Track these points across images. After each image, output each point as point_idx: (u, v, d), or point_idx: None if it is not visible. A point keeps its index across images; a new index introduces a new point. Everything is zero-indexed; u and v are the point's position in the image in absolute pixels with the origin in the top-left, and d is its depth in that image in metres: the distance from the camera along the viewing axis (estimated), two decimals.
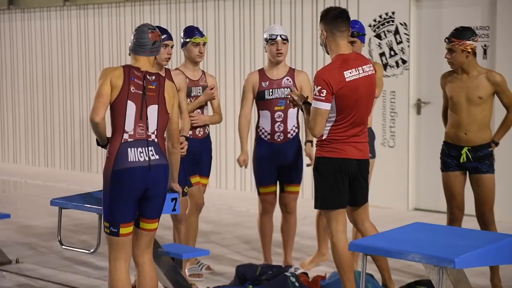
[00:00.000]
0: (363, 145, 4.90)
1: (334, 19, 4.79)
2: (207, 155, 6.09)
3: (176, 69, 6.05)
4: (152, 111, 4.55)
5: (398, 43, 8.50)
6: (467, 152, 5.45)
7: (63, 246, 5.08)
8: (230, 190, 9.86)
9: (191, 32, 5.99)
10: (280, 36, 5.82)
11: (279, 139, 5.92)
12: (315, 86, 4.70)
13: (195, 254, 5.50)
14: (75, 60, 11.57)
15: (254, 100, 5.99)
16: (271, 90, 5.90)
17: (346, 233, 4.89)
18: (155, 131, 4.55)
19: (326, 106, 4.70)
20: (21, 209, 8.70)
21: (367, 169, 4.99)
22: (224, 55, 9.92)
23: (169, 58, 5.67)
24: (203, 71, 6.14)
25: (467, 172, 5.52)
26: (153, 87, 4.59)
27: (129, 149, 4.44)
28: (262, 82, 5.91)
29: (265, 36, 5.91)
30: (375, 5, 8.67)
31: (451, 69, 5.58)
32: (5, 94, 12.60)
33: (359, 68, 4.79)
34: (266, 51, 5.96)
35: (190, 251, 5.37)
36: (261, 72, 5.98)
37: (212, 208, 8.58)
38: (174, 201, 4.98)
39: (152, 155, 4.50)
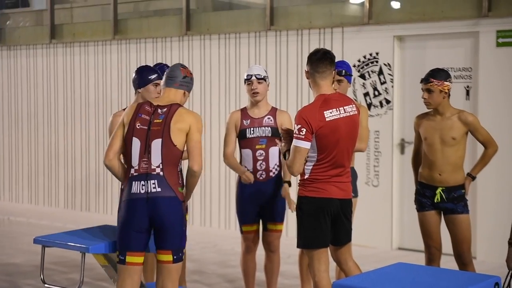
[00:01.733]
0: (345, 184, 4.92)
1: (315, 61, 4.87)
2: None
3: None
4: (156, 145, 4.67)
5: (382, 83, 8.60)
6: (441, 192, 5.54)
7: (46, 285, 5.07)
8: (214, 228, 9.85)
9: (161, 69, 6.06)
10: (255, 76, 5.88)
11: (261, 178, 5.95)
12: (296, 125, 4.77)
13: None
14: (60, 97, 11.59)
15: (237, 139, 6.03)
16: (252, 128, 5.94)
17: (329, 272, 4.90)
18: (160, 164, 4.66)
19: (305, 144, 4.75)
20: (4, 247, 8.64)
21: (350, 209, 5.01)
22: (209, 93, 9.98)
23: (157, 98, 5.68)
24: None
25: (442, 212, 5.59)
26: (160, 120, 4.71)
27: (133, 182, 4.68)
28: (244, 120, 5.96)
29: (244, 77, 5.99)
30: (360, 45, 8.78)
31: (425, 111, 5.69)
32: None
33: (340, 108, 4.83)
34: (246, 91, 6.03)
35: None
36: (243, 110, 6.04)
37: (196, 247, 8.57)
38: None
39: (154, 187, 4.65)
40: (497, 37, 7.88)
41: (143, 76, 5.64)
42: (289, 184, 5.98)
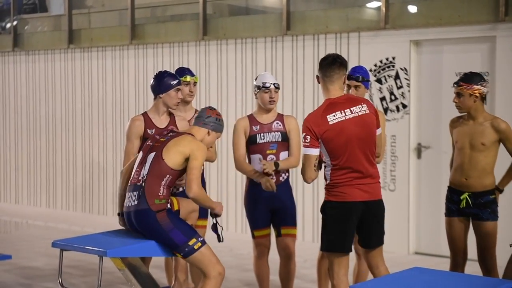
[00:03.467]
0: (369, 186, 4.91)
1: (324, 66, 4.94)
2: None
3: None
4: (150, 158, 4.98)
5: (398, 88, 8.60)
6: (468, 198, 5.48)
7: None
8: (231, 232, 9.88)
9: (181, 72, 6.16)
10: (274, 84, 5.88)
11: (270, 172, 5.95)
12: (302, 133, 4.88)
13: None
14: (78, 102, 11.68)
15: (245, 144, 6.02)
16: (262, 134, 5.92)
17: (347, 276, 4.92)
18: (145, 175, 4.95)
19: (312, 151, 4.84)
20: (22, 250, 8.71)
21: (380, 210, 4.99)
22: (226, 98, 10.01)
23: (179, 103, 5.78)
24: (196, 111, 6.23)
25: (471, 219, 5.54)
26: (164, 139, 5.02)
27: (128, 193, 5.06)
28: (253, 126, 5.93)
29: (256, 84, 5.93)
30: (376, 50, 8.79)
31: (460, 115, 5.64)
32: (8, 135, 12.69)
33: (345, 110, 4.86)
34: (256, 98, 5.97)
35: None
36: (251, 117, 6.00)
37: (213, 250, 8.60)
38: None
39: (134, 200, 4.95)
40: None
41: (164, 82, 5.67)
42: (276, 165, 5.85)
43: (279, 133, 5.92)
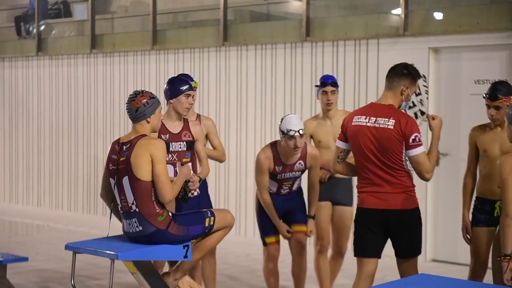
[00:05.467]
0: (387, 195, 4.94)
1: (389, 71, 5.15)
2: (204, 193, 6.15)
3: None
4: (125, 182, 4.92)
5: (417, 95, 8.59)
6: (500, 206, 5.44)
7: None
8: (249, 237, 9.92)
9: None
10: (298, 131, 5.73)
11: (284, 192, 6.07)
12: None
13: None
14: (100, 106, 11.81)
15: None
16: (283, 174, 5.96)
17: (367, 281, 4.98)
18: (134, 201, 4.91)
19: (339, 143, 5.12)
20: (41, 253, 8.82)
21: (404, 221, 4.98)
22: (245, 103, 10.08)
23: (190, 108, 5.77)
24: (198, 115, 6.32)
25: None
26: (124, 158, 4.92)
27: (124, 220, 5.08)
28: (276, 167, 5.92)
29: (281, 128, 5.79)
30: (395, 57, 8.75)
31: (482, 123, 5.58)
32: (31, 138, 12.85)
33: (371, 118, 4.93)
34: (281, 140, 5.84)
35: None
36: (275, 156, 5.91)
37: (230, 255, 8.66)
38: (186, 248, 5.10)
39: (137, 226, 4.96)
40: None
41: (175, 87, 5.68)
42: (313, 218, 6.07)
43: (299, 172, 6.00)
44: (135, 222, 4.95)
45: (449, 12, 8.62)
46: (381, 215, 4.97)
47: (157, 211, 4.92)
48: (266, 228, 6.07)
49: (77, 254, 5.21)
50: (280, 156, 5.89)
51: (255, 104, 9.99)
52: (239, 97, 10.13)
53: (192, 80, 6.14)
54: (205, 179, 6.25)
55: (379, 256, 5.09)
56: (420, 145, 4.91)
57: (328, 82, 6.28)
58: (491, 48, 8.21)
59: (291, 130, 5.71)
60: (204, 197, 6.07)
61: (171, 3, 11.81)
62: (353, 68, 9.11)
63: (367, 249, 5.03)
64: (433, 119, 5.08)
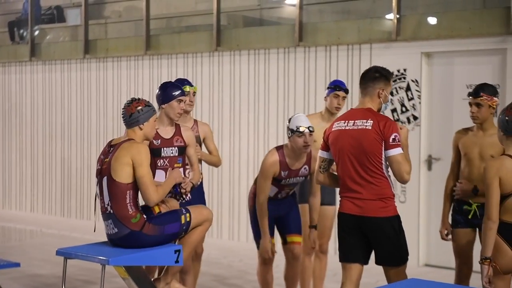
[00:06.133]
0: (362, 202, 4.91)
1: (362, 76, 5.09)
2: (201, 199, 6.25)
3: None
4: (104, 183, 4.99)
5: (409, 100, 8.61)
6: (476, 208, 5.48)
7: None
8: (242, 242, 9.92)
9: (180, 82, 6.15)
10: (308, 128, 5.75)
11: (280, 198, 6.06)
12: None
13: None
14: (93, 111, 11.79)
15: None
16: (288, 179, 5.95)
17: (348, 286, 4.96)
18: (109, 202, 4.97)
19: (321, 153, 5.12)
20: (35, 258, 8.80)
21: (379, 229, 4.93)
22: (239, 108, 10.08)
23: (182, 113, 5.76)
24: (195, 120, 6.34)
25: (477, 229, 5.52)
26: (107, 159, 4.99)
27: (103, 221, 5.11)
28: (282, 172, 5.89)
29: (290, 127, 5.79)
30: (387, 62, 8.75)
31: (466, 127, 5.64)
32: (24, 144, 12.83)
33: (349, 121, 4.96)
34: (289, 139, 5.82)
35: None
36: (282, 160, 5.88)
37: (223, 260, 8.67)
38: (177, 253, 5.10)
39: (113, 228, 5.01)
40: None
41: (167, 92, 5.69)
42: (315, 228, 6.08)
43: (303, 177, 5.99)
44: (111, 223, 5.02)
45: (442, 17, 8.65)
46: (358, 221, 4.95)
47: (130, 213, 4.95)
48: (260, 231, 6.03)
49: (71, 260, 5.20)
50: (287, 160, 5.87)
51: (248, 109, 9.99)
52: (233, 102, 10.13)
53: (191, 86, 6.18)
54: (201, 186, 6.27)
55: (362, 262, 5.02)
56: (400, 145, 4.87)
57: (343, 87, 6.34)
58: (483, 52, 8.22)
59: (300, 126, 5.71)
60: (201, 201, 6.14)
61: (164, 8, 11.81)
62: (346, 73, 9.12)
63: (348, 254, 5.02)
64: (401, 129, 5.03)
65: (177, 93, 5.67)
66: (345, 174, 4.96)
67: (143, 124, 5.10)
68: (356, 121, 4.93)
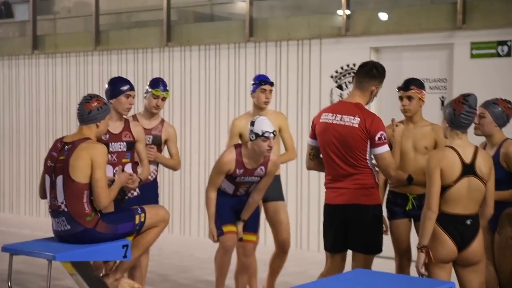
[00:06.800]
0: (340, 191, 5.06)
1: (358, 70, 5.27)
2: (154, 198, 6.24)
3: (134, 115, 6.19)
4: (59, 181, 4.92)
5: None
6: (413, 200, 5.58)
7: None
8: (193, 236, 9.91)
9: (155, 83, 6.14)
10: (273, 133, 5.71)
11: (239, 194, 6.07)
12: None
13: None
14: (42, 107, 11.65)
15: None
16: (243, 177, 5.92)
17: (331, 273, 5.03)
18: (64, 200, 4.91)
19: (309, 141, 5.24)
20: None
21: (356, 215, 5.05)
22: (189, 103, 10.06)
23: (130, 108, 5.75)
24: (162, 121, 6.26)
25: (412, 220, 5.64)
26: (63, 157, 4.93)
27: (52, 218, 5.03)
28: (237, 170, 5.87)
29: (254, 130, 5.70)
30: (337, 57, 8.88)
31: (400, 120, 5.68)
32: None
33: (337, 115, 5.05)
34: (250, 139, 5.75)
35: None
36: (238, 158, 5.85)
37: (174, 255, 8.66)
38: (125, 247, 5.08)
39: (65, 225, 4.96)
40: (471, 48, 7.99)
41: (115, 87, 5.69)
42: (244, 222, 6.08)
43: (259, 177, 5.95)
44: (63, 221, 4.96)
45: (391, 13, 8.74)
46: (340, 210, 5.08)
47: (86, 211, 4.93)
48: (224, 217, 6.01)
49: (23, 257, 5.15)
50: (243, 160, 5.85)
51: (199, 104, 9.98)
52: (183, 97, 10.11)
53: (166, 91, 6.12)
54: (155, 182, 6.23)
55: (344, 250, 5.17)
56: (385, 143, 4.99)
57: (268, 81, 6.34)
58: (431, 47, 8.33)
59: (266, 131, 5.68)
60: (152, 197, 6.13)
61: (114, 4, 11.71)
62: (296, 68, 9.17)
63: (331, 243, 5.16)
64: (397, 126, 5.25)
65: (125, 88, 5.67)
66: (330, 166, 5.09)
67: (100, 122, 5.07)
68: (343, 116, 5.02)
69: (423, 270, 4.43)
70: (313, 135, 5.20)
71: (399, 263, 5.68)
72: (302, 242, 9.04)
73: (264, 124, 5.70)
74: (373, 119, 4.99)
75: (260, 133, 5.67)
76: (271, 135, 5.69)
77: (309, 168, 5.41)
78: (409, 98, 5.56)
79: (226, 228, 6.04)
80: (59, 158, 4.96)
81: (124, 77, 6.28)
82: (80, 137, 5.01)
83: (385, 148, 4.98)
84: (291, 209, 8.93)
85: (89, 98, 5.09)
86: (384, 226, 5.47)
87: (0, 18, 12.89)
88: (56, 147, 5.06)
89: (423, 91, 5.60)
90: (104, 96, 5.74)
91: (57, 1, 12.77)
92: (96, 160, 4.90)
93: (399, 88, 5.63)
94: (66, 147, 4.97)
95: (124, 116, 5.80)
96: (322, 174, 5.32)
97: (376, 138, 4.95)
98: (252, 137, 5.71)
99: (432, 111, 7.49)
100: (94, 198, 4.97)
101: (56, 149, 5.04)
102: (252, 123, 5.73)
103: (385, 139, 4.97)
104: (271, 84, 6.38)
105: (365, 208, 5.06)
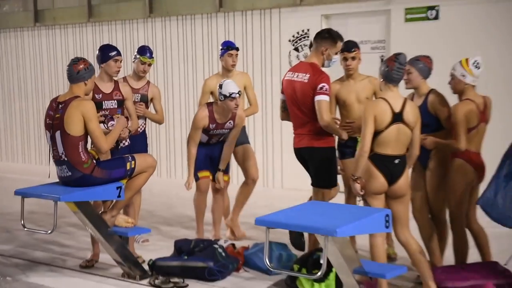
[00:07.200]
0: (300, 136, 5.19)
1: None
2: (143, 147, 6.22)
3: (124, 77, 6.17)
4: (58, 136, 4.89)
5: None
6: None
7: (25, 228, 5.17)
8: (178, 178, 9.98)
9: (143, 51, 6.08)
10: (238, 93, 5.76)
11: (212, 143, 6.10)
12: None
13: (139, 232, 5.50)
14: (45, 73, 11.55)
15: None
16: (215, 130, 5.96)
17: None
18: (63, 151, 4.89)
19: (281, 96, 5.33)
20: (3, 199, 8.67)
21: (312, 156, 5.17)
22: (171, 66, 10.02)
23: (119, 71, 5.73)
24: (148, 82, 6.24)
25: None
26: (59, 115, 4.88)
27: (56, 166, 5.00)
28: (211, 124, 5.90)
29: (222, 92, 5.74)
30: (293, 23, 8.88)
31: (338, 78, 5.72)
32: None
33: (295, 73, 5.17)
34: (220, 100, 5.78)
35: (135, 230, 5.42)
36: (211, 115, 5.89)
37: (163, 193, 8.72)
38: (119, 189, 5.11)
39: (67, 172, 4.94)
40: (405, 13, 8.02)
41: (104, 53, 5.66)
42: (224, 171, 6.14)
43: (228, 130, 5.99)
44: (65, 168, 4.95)
45: None
46: (300, 152, 5.21)
47: (83, 159, 4.92)
48: (199, 164, 6.06)
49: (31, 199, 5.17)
50: (215, 116, 5.88)
51: (179, 67, 9.94)
52: (165, 62, 10.06)
53: (151, 58, 6.08)
54: (144, 134, 6.24)
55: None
56: (325, 94, 5.00)
57: (234, 47, 6.34)
58: (371, 14, 8.34)
59: (233, 93, 5.73)
60: (142, 147, 6.14)
61: None
62: (259, 34, 9.14)
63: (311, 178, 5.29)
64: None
65: (113, 53, 5.64)
66: (292, 116, 5.24)
67: (87, 81, 5.02)
68: (299, 74, 5.11)
69: (361, 193, 4.50)
70: (282, 91, 5.27)
71: (348, 196, 5.76)
72: (268, 181, 9.14)
73: (231, 87, 5.74)
74: (320, 75, 5.05)
75: (228, 94, 5.73)
76: (237, 95, 5.73)
77: (282, 119, 5.43)
78: (353, 58, 5.57)
79: (201, 174, 6.11)
80: (55, 116, 4.93)
81: (114, 44, 6.23)
82: (71, 95, 4.96)
83: (322, 97, 4.98)
84: (259, 154, 9.02)
85: (76, 60, 5.02)
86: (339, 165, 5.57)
87: None
88: (52, 106, 5.02)
89: (360, 51, 5.64)
90: (96, 61, 5.74)
91: None
92: (86, 115, 4.86)
93: (343, 50, 5.54)
94: (60, 106, 4.93)
95: (114, 78, 5.79)
96: (284, 124, 5.40)
97: (318, 88, 5.00)
98: (221, 98, 5.76)
99: (374, 68, 7.45)
100: (95, 146, 4.99)
101: (52, 108, 5.01)
102: (220, 86, 5.77)
103: (326, 90, 4.98)
104: (237, 49, 6.36)
105: (318, 150, 5.15)
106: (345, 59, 5.59)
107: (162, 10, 10.12)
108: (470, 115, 4.77)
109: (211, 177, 6.17)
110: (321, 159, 5.18)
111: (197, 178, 6.12)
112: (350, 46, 5.58)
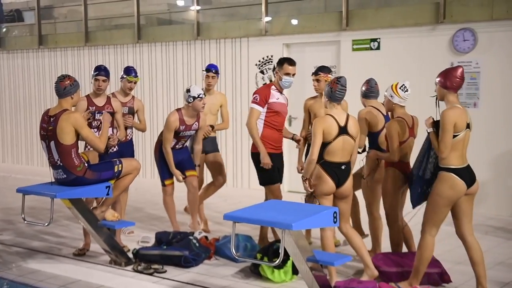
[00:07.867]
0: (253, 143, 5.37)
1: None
2: (131, 153, 6.16)
3: (113, 93, 6.08)
4: (52, 145, 4.79)
5: (275, 77, 8.64)
6: None
7: (26, 221, 5.06)
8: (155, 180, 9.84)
9: (129, 71, 6.01)
10: (204, 94, 5.76)
11: (178, 147, 6.00)
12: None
13: (125, 225, 5.40)
14: (48, 90, 11.37)
15: None
16: (184, 132, 5.88)
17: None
18: (58, 158, 4.79)
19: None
20: (7, 196, 8.49)
21: (253, 160, 5.34)
22: (155, 86, 9.94)
23: (100, 89, 5.63)
24: (133, 96, 6.16)
25: None
26: (52, 127, 4.78)
27: (52, 170, 4.88)
28: (181, 126, 5.83)
29: (192, 95, 5.70)
30: (260, 50, 8.88)
31: (312, 96, 5.73)
32: (3, 111, 12.29)
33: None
34: (188, 103, 5.73)
35: (121, 223, 5.34)
36: (181, 117, 5.81)
37: (147, 193, 8.60)
38: (108, 188, 5.03)
39: (62, 174, 4.84)
40: (353, 44, 8.08)
41: (93, 73, 5.66)
42: (199, 165, 6.12)
43: (194, 131, 5.93)
44: (61, 171, 4.85)
45: (297, 19, 8.75)
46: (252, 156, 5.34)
47: (76, 164, 4.84)
48: (165, 173, 5.99)
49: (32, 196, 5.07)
50: (184, 118, 5.81)
51: (163, 86, 9.87)
52: (151, 82, 9.98)
53: (136, 77, 5.98)
54: (131, 142, 6.15)
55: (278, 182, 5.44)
56: (255, 102, 5.20)
57: (211, 69, 6.25)
58: (325, 44, 8.39)
59: (200, 93, 5.70)
60: (130, 152, 6.09)
61: (99, 11, 11.42)
62: (231, 60, 9.12)
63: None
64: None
65: (94, 73, 5.63)
66: None
67: (73, 95, 4.90)
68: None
69: (310, 188, 4.50)
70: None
71: (308, 195, 5.71)
72: (237, 182, 9.10)
73: (198, 89, 5.75)
74: (257, 89, 5.39)
75: (196, 95, 5.70)
76: (203, 95, 5.74)
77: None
78: (318, 80, 5.54)
79: (167, 182, 6.01)
80: (48, 128, 4.80)
81: (106, 66, 6.15)
82: (60, 109, 4.83)
83: (252, 105, 5.27)
84: (230, 159, 8.97)
85: (62, 77, 4.87)
86: (301, 167, 5.62)
87: (14, 22, 12.43)
88: (44, 119, 4.88)
89: (329, 75, 5.53)
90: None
91: (56, 9, 12.36)
92: (76, 125, 4.76)
93: (312, 73, 5.59)
94: (52, 119, 4.80)
95: (108, 95, 5.73)
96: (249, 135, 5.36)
97: (252, 98, 5.28)
98: (190, 100, 5.71)
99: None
100: (92, 148, 4.91)
101: (44, 121, 4.87)
102: (188, 90, 5.73)
103: (255, 99, 5.22)
104: (215, 72, 6.23)
105: (253, 155, 5.36)
106: (314, 80, 5.60)
107: (148, 37, 10.04)
108: (401, 130, 4.79)
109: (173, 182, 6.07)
110: (254, 162, 5.35)
111: (164, 185, 6.03)
112: (317, 71, 5.58)
